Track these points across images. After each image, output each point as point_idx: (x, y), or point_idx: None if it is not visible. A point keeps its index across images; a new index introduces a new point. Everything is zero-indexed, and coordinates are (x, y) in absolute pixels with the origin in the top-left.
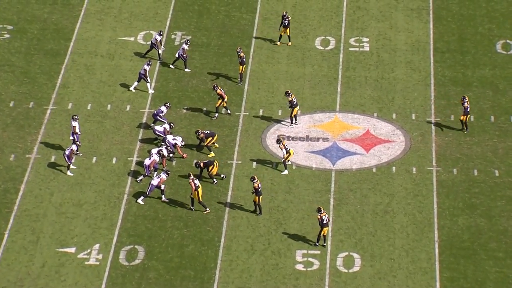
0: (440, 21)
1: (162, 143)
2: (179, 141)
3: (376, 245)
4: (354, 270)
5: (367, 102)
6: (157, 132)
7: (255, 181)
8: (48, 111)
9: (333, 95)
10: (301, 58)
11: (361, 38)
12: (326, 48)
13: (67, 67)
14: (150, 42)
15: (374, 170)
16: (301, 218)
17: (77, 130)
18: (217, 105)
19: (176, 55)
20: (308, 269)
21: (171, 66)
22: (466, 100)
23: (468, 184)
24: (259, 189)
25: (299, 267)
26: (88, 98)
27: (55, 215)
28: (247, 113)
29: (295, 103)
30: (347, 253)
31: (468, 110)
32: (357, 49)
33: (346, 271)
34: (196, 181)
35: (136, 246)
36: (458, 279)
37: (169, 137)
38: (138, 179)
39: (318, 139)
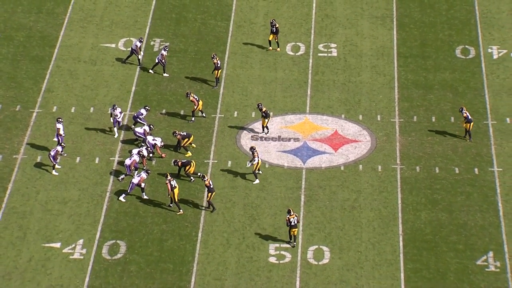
0: (403, 28)
1: (142, 144)
2: (158, 141)
3: (344, 238)
4: (324, 262)
5: (335, 104)
6: (137, 134)
7: (206, 179)
8: (34, 114)
9: (303, 97)
10: (273, 63)
11: (329, 44)
12: (296, 54)
13: (51, 72)
14: (130, 48)
15: (342, 168)
16: (274, 214)
17: (61, 132)
18: (192, 110)
19: (156, 61)
20: (281, 261)
21: (150, 71)
22: (464, 110)
23: (430, 180)
24: (211, 186)
25: (272, 260)
26: (72, 101)
27: (41, 212)
28: (223, 115)
29: (267, 113)
30: (317, 246)
31: (470, 118)
32: (325, 54)
33: (316, 263)
34: (173, 182)
35: (118, 241)
36: (421, 270)
37: (149, 138)
38: (120, 178)
39: (289, 139)
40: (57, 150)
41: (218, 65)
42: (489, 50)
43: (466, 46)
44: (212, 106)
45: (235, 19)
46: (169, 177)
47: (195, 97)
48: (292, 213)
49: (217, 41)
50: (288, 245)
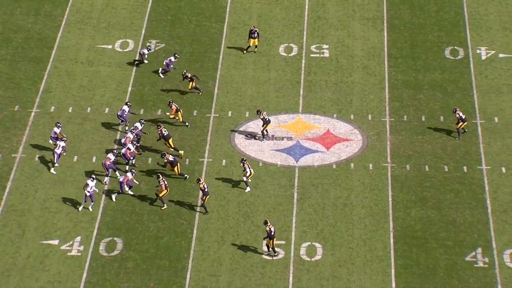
0: (393, 29)
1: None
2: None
3: (336, 235)
4: (316, 259)
5: (327, 104)
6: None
7: (201, 182)
8: (32, 114)
9: (296, 97)
10: (267, 64)
11: (321, 45)
12: (289, 55)
13: (49, 73)
14: (138, 53)
15: (334, 166)
16: (267, 211)
17: (59, 135)
18: (180, 120)
19: (164, 63)
20: (274, 258)
21: (161, 75)
22: (458, 111)
23: (420, 178)
24: (205, 190)
25: (266, 256)
26: (69, 101)
27: (39, 210)
28: (217, 115)
29: (267, 119)
30: (309, 243)
31: (464, 118)
32: (317, 55)
33: (309, 259)
34: (166, 181)
35: (115, 238)
36: (411, 266)
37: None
38: (114, 196)
39: (282, 138)
40: (63, 146)
41: (192, 78)
42: (478, 51)
43: (455, 47)
44: (206, 106)
45: (229, 21)
46: (161, 178)
47: (176, 106)
48: (269, 223)
49: (212, 43)
50: (281, 242)
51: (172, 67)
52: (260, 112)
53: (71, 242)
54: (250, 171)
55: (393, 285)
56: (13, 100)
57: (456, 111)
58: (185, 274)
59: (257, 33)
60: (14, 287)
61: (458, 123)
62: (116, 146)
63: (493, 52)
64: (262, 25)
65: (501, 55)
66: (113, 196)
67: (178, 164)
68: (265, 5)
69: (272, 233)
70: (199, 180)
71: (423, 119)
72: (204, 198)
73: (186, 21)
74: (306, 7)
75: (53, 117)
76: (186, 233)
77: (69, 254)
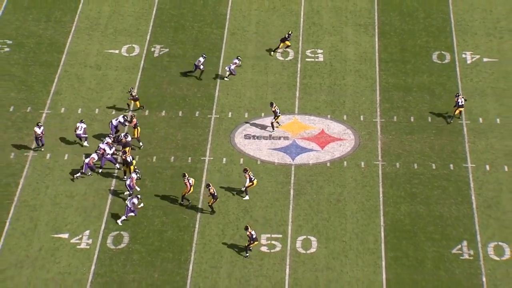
0: (384, 35)
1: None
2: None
3: (330, 229)
4: (311, 251)
5: (322, 106)
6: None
7: (210, 187)
8: (44, 115)
9: (292, 99)
10: (264, 68)
11: (316, 50)
12: (286, 59)
13: (60, 76)
14: (194, 64)
15: (328, 164)
16: (265, 207)
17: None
18: (135, 136)
19: (226, 69)
20: (272, 250)
21: (226, 78)
22: (460, 95)
23: (409, 176)
24: (215, 194)
25: (264, 249)
26: (78, 103)
27: (50, 206)
28: (218, 116)
29: (278, 112)
30: (305, 237)
31: (462, 104)
32: (312, 59)
33: (304, 252)
34: (191, 181)
35: (121, 232)
36: (401, 258)
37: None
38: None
39: (279, 138)
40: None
41: (136, 97)
42: (463, 56)
43: (442, 52)
44: (208, 107)
45: (229, 27)
46: (187, 176)
47: (136, 120)
48: (250, 228)
49: (213, 47)
50: (279, 235)
51: (233, 68)
52: (273, 104)
53: (80, 236)
54: (252, 181)
55: (384, 276)
56: (25, 101)
57: (458, 95)
58: (187, 266)
59: (289, 37)
60: (27, 278)
61: (454, 106)
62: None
63: (478, 56)
64: (260, 31)
65: (485, 59)
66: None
67: (133, 161)
68: (263, 12)
69: (254, 237)
70: (208, 185)
71: (412, 119)
72: (212, 201)
73: (188, 27)
74: (302, 14)
75: (63, 118)
76: (188, 227)
77: (78, 247)
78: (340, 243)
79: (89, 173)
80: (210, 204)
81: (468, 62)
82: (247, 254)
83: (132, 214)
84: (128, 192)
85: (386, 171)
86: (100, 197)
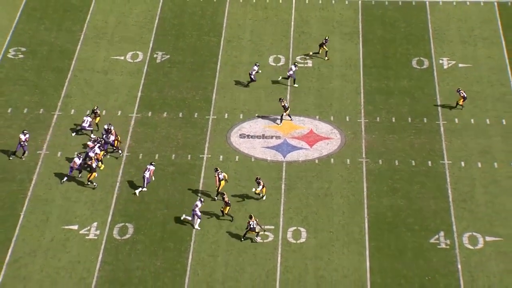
0: (367, 43)
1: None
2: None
3: (318, 221)
4: (301, 241)
5: (311, 107)
6: (86, 128)
7: (225, 196)
8: (55, 116)
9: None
10: (258, 73)
11: (305, 57)
12: (277, 64)
13: (70, 81)
14: (249, 73)
15: (316, 161)
16: (259, 201)
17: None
18: (117, 146)
19: (288, 75)
20: (264, 241)
21: (295, 85)
22: (461, 90)
23: (391, 172)
24: (229, 202)
25: (257, 239)
26: (87, 105)
27: (61, 200)
28: (215, 117)
29: (287, 106)
30: (295, 228)
31: (465, 95)
32: (302, 65)
33: (294, 242)
34: (221, 175)
35: (126, 224)
36: (383, 248)
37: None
38: (137, 191)
39: (272, 137)
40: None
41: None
42: (440, 62)
43: (421, 58)
44: (206, 109)
45: (225, 35)
46: (218, 171)
47: (115, 132)
48: (253, 218)
49: (210, 54)
50: (271, 227)
51: (292, 73)
52: (282, 99)
53: (88, 227)
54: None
55: (368, 264)
56: (38, 104)
57: (459, 90)
58: (187, 254)
59: (326, 42)
60: (39, 266)
61: (461, 99)
62: (126, 146)
63: (453, 62)
64: (254, 39)
65: (460, 65)
66: (137, 191)
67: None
68: (257, 21)
69: (252, 227)
70: (223, 194)
71: (394, 120)
72: (227, 208)
73: (188, 36)
74: (292, 23)
75: (73, 119)
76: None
77: (87, 237)
78: (327, 233)
79: (79, 175)
80: (226, 212)
81: (445, 67)
82: (242, 239)
83: (198, 217)
84: (143, 187)
85: (369, 168)
86: (106, 191)
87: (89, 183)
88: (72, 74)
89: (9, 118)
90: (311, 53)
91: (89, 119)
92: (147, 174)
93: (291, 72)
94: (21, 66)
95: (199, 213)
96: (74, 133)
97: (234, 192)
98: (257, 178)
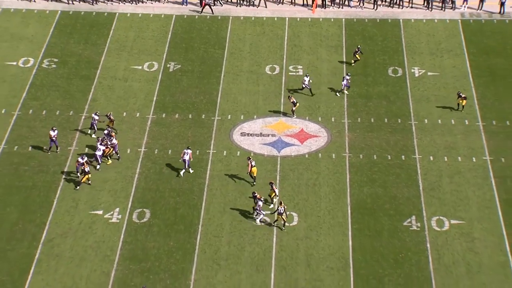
0: (350, 54)
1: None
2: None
3: (308, 207)
4: (293, 224)
5: (301, 109)
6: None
7: (273, 183)
8: (82, 117)
9: (278, 105)
10: (256, 80)
11: (297, 66)
12: (273, 73)
13: (95, 87)
14: (302, 83)
15: (306, 156)
16: (258, 189)
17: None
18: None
19: (344, 84)
20: (262, 223)
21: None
22: (461, 93)
23: (370, 165)
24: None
25: (256, 222)
26: (110, 108)
27: (88, 188)
28: (220, 118)
29: (295, 102)
30: (288, 213)
31: (464, 96)
32: (294, 73)
33: (288, 225)
34: (253, 163)
35: (144, 209)
36: (363, 229)
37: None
38: (181, 173)
39: (268, 135)
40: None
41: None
42: (412, 70)
43: (396, 67)
44: (212, 111)
45: (228, 47)
46: (250, 158)
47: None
48: (282, 204)
49: (216, 64)
50: (268, 212)
51: (307, 84)
52: (290, 97)
53: (111, 212)
54: (276, 192)
55: (350, 243)
56: (69, 107)
57: (459, 93)
58: (196, 235)
59: (359, 50)
60: (70, 245)
61: (461, 100)
62: (144, 142)
63: (423, 71)
64: (252, 51)
65: (429, 73)
66: (182, 173)
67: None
68: (255, 36)
69: (281, 211)
70: (272, 182)
71: (372, 120)
72: (283, 217)
73: (196, 48)
74: (286, 38)
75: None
76: (197, 206)
77: (110, 221)
78: (316, 218)
79: (97, 167)
80: (272, 196)
81: (416, 75)
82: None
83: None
84: (185, 168)
85: (352, 161)
86: (127, 182)
87: (86, 182)
88: (97, 81)
89: (43, 119)
90: (352, 62)
91: (96, 117)
92: (186, 157)
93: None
94: (53, 74)
95: (263, 212)
96: (90, 131)
97: (236, 181)
98: (271, 183)
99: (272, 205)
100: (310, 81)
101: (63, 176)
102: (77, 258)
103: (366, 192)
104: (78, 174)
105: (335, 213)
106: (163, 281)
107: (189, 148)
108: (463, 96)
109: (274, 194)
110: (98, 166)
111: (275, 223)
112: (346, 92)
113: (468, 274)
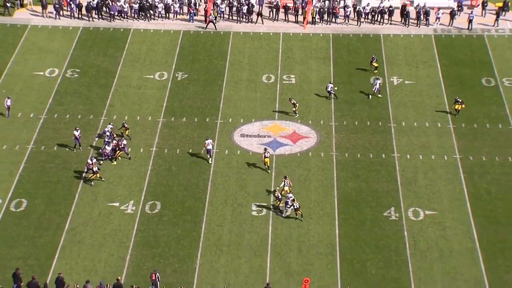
0: (337, 65)
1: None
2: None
3: (299, 199)
4: (287, 215)
5: (294, 114)
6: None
7: (296, 200)
8: (101, 121)
9: (273, 109)
10: (254, 88)
11: (290, 75)
12: (269, 81)
13: (112, 93)
14: (327, 91)
15: (298, 154)
16: (255, 184)
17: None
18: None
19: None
20: (259, 214)
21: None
22: (458, 98)
23: (354, 162)
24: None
25: (254, 213)
26: (125, 112)
27: (106, 183)
28: (222, 121)
29: (296, 103)
30: (282, 204)
31: (461, 101)
32: (287, 82)
33: (282, 215)
34: (267, 154)
35: (155, 202)
36: (348, 219)
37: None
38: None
39: (265, 136)
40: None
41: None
42: (391, 79)
43: (376, 76)
44: (215, 115)
45: (229, 59)
46: (267, 150)
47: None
48: (295, 200)
49: (218, 74)
50: (264, 204)
51: (378, 88)
52: (291, 99)
53: (127, 204)
54: (285, 186)
55: (337, 231)
56: (89, 111)
57: (457, 99)
58: (201, 224)
59: (375, 59)
60: (90, 233)
61: (458, 105)
62: (156, 141)
63: (401, 80)
64: (251, 62)
65: (406, 82)
66: (209, 160)
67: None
68: (253, 49)
69: (296, 207)
70: (294, 199)
71: (356, 123)
72: (300, 211)
73: (201, 60)
74: (280, 50)
75: (115, 123)
76: (201, 199)
77: (125, 212)
78: (307, 209)
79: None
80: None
81: (395, 84)
82: (302, 218)
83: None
84: (211, 157)
85: (338, 159)
86: (140, 177)
87: (91, 182)
88: (114, 89)
89: (67, 122)
90: (374, 70)
91: (111, 126)
92: (210, 147)
93: (329, 89)
94: (76, 83)
95: (294, 205)
96: (97, 138)
97: (236, 177)
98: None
99: (287, 207)
100: (335, 88)
101: (84, 172)
102: (97, 245)
103: (351, 186)
104: (85, 172)
105: (324, 205)
106: (172, 265)
107: (208, 138)
108: (460, 101)
109: (285, 189)
110: (101, 162)
111: (297, 215)
112: (379, 95)
113: (440, 259)
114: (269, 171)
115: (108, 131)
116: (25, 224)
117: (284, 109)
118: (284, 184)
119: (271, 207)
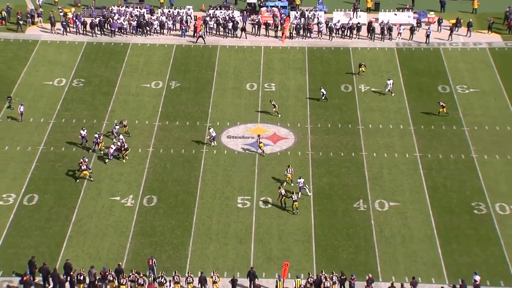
0: (312, 75)
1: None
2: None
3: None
4: (268, 207)
5: (275, 118)
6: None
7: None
8: (104, 124)
9: (256, 114)
10: (239, 95)
11: (270, 83)
12: (252, 89)
13: (114, 100)
14: (321, 93)
15: (278, 153)
16: (240, 180)
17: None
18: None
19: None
20: (244, 206)
21: (392, 93)
22: (441, 102)
23: (328, 160)
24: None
25: (239, 205)
26: (125, 117)
27: (108, 180)
28: (210, 124)
29: (276, 105)
30: (264, 198)
31: (444, 105)
32: (268, 89)
33: (264, 207)
34: (261, 140)
35: (152, 196)
36: (323, 210)
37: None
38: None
39: (248, 137)
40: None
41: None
42: (360, 87)
43: (347, 84)
44: (204, 119)
45: (217, 69)
46: (260, 136)
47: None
48: (294, 193)
49: (207, 82)
50: (248, 197)
51: (390, 87)
52: (271, 100)
53: (127, 198)
54: (290, 173)
55: (313, 221)
56: (93, 116)
57: (439, 102)
58: (192, 216)
59: (363, 64)
60: (94, 224)
61: (441, 108)
62: (151, 143)
63: (368, 87)
64: (236, 72)
65: (373, 89)
66: (213, 143)
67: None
68: (238, 61)
69: (294, 199)
70: (293, 192)
71: (329, 126)
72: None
73: (192, 70)
74: (262, 62)
75: (113, 123)
76: (193, 193)
77: (126, 205)
78: (290, 202)
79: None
80: (296, 206)
81: (363, 91)
82: (297, 210)
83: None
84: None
85: (313, 158)
86: (138, 174)
87: (84, 177)
88: (115, 96)
89: (73, 125)
90: (362, 72)
91: (117, 127)
92: (214, 134)
93: (390, 87)
94: (81, 91)
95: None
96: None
97: (224, 173)
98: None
99: (305, 188)
100: (325, 93)
101: (90, 171)
102: (100, 234)
103: (325, 181)
104: (77, 171)
105: (301, 199)
106: (167, 252)
107: (210, 128)
108: (441, 104)
109: (288, 175)
110: (107, 161)
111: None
112: (393, 94)
113: (403, 244)
114: (264, 154)
115: (115, 131)
116: (36, 216)
117: (265, 113)
118: (287, 172)
119: (278, 205)
